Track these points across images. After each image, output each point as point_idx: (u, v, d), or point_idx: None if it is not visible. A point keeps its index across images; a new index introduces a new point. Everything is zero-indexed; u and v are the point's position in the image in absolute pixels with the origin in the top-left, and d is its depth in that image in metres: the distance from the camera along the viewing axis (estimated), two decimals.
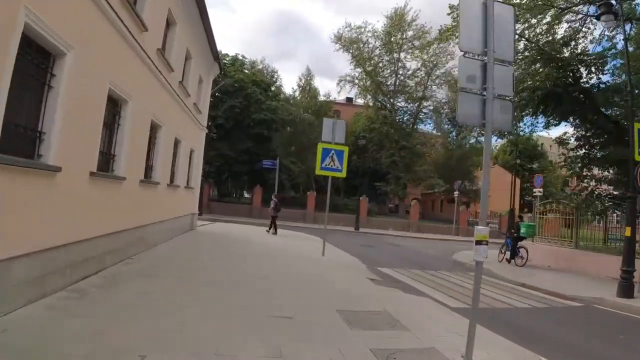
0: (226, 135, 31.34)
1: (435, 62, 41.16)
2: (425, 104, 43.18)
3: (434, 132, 47.76)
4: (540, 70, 17.21)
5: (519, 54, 16.77)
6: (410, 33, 40.86)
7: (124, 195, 8.18)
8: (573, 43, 17.42)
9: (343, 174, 12.48)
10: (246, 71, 34.20)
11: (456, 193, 35.52)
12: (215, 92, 28.60)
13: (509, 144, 42.72)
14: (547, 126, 20.20)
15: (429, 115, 44.90)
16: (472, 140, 44.26)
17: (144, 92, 8.89)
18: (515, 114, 17.47)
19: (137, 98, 8.24)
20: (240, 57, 34.64)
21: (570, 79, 16.98)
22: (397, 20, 40.24)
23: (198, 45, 14.24)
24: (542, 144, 53.80)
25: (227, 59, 34.41)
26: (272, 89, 35.39)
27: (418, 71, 42.11)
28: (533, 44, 16.95)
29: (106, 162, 7.50)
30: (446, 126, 45.89)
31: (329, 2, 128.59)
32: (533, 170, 55.91)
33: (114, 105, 7.64)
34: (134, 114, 8.27)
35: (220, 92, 30.44)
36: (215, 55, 16.76)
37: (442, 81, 41.62)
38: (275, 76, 39.95)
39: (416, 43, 40.48)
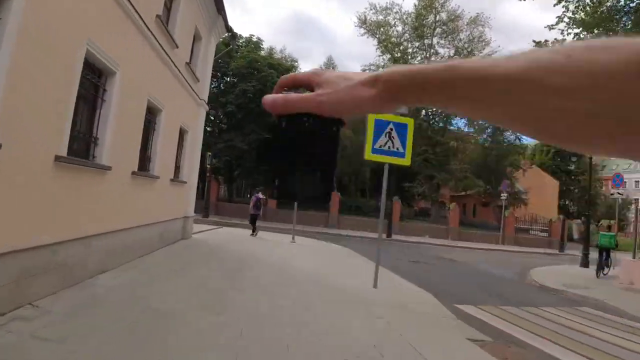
0: (237, 125, 27.26)
1: (470, 49, 36.58)
2: None
3: (466, 128, 42.84)
4: None
5: None
6: (443, 16, 36.30)
7: None
8: None
9: (407, 161, 8.05)
10: (262, 53, 29.93)
11: (504, 195, 30.78)
12: (219, 59, 24.64)
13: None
14: None
15: None
16: (511, 137, 39.40)
17: None
18: None
19: None
20: (256, 39, 30.42)
21: None
22: (429, 1, 35.65)
23: None
24: None
25: (241, 40, 30.31)
26: (295, 69, 31.13)
27: (452, 59, 37.52)
28: None
29: None
30: (481, 122, 41.10)
31: (343, 2, 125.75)
32: (571, 173, 50.89)
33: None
34: None
35: (232, 75, 26.34)
36: (220, 5, 12.52)
37: None
38: (296, 66, 35.66)
39: (451, 26, 36.01)
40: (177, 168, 11.49)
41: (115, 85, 6.52)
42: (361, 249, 15.86)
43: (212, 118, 27.63)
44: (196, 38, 11.92)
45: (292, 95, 0.55)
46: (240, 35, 30.95)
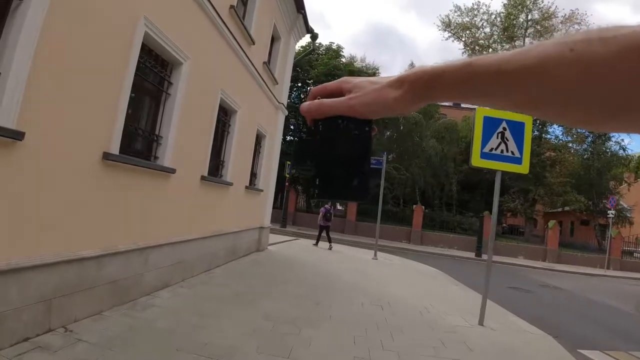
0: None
1: None
2: None
3: (564, 137, 38.19)
4: None
5: None
6: (536, 14, 33.00)
7: None
8: None
9: (524, 168, 6.40)
10: (342, 61, 29.13)
11: (611, 213, 26.68)
12: (297, 67, 24.12)
13: None
14: None
15: None
16: (615, 147, 34.39)
17: None
18: None
19: None
20: (335, 47, 29.72)
21: None
22: None
23: None
24: None
25: (321, 48, 29.84)
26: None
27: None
28: None
29: None
30: (580, 130, 36.35)
31: (422, 13, 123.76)
32: None
33: None
34: None
35: (312, 83, 25.86)
36: (300, 4, 11.75)
37: None
38: (378, 74, 34.48)
39: (544, 24, 32.61)
40: (253, 175, 10.75)
41: (181, 77, 5.74)
42: (451, 270, 14.09)
43: (292, 127, 27.27)
44: (275, 38, 11.20)
45: (326, 100, 0.60)
46: (320, 43, 30.54)
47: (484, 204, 35.58)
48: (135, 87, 4.69)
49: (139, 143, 5.25)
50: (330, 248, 14.72)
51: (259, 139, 10.80)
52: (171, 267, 5.98)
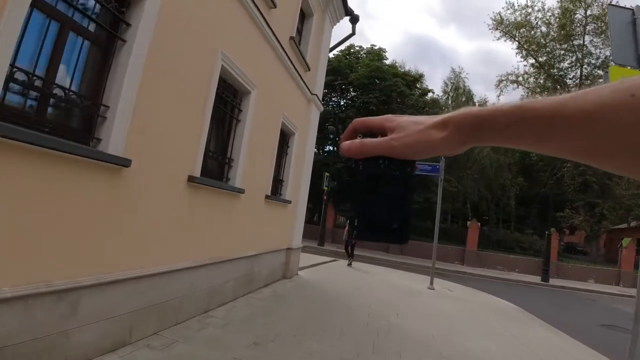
0: None
1: None
2: None
3: None
4: None
5: None
6: (595, 10, 29.57)
7: None
8: None
9: None
10: (386, 62, 26.76)
11: None
12: (335, 73, 21.87)
13: None
14: None
15: None
16: None
17: None
18: None
19: None
20: (377, 49, 27.40)
21: None
22: None
23: None
24: None
25: (362, 52, 27.73)
26: (420, 85, 27.22)
27: (610, 58, 30.24)
28: None
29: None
30: None
31: (461, 26, 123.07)
32: None
33: None
34: None
35: (352, 88, 23.75)
36: None
37: None
38: (424, 76, 31.70)
39: (605, 21, 29.18)
40: (278, 182, 8.51)
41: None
42: (522, 300, 11.53)
43: (332, 136, 25.09)
44: (305, 13, 9.06)
45: (367, 140, 0.59)
46: (360, 47, 28.40)
47: (541, 219, 31.90)
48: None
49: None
50: (350, 264, 13.50)
51: (284, 137, 8.58)
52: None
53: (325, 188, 19.09)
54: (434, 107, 26.76)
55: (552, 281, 19.49)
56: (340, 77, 24.91)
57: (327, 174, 19.18)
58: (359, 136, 0.61)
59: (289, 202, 8.87)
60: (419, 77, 26.46)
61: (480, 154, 26.66)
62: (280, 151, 8.23)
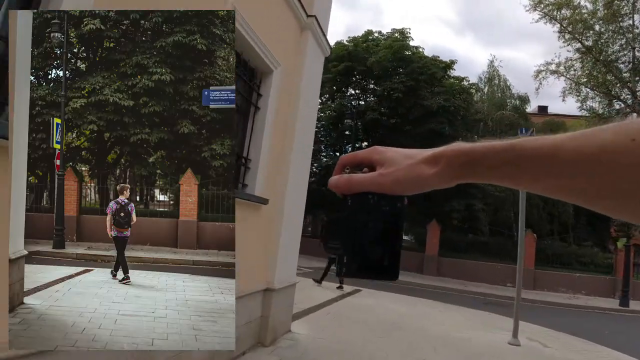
0: (381, 139, 19.74)
1: None
2: None
3: None
4: None
5: None
6: None
7: None
8: None
9: None
10: (412, 44, 22.27)
11: None
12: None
13: None
14: None
15: None
16: None
17: None
18: None
19: None
20: (400, 29, 22.93)
21: None
22: None
23: None
24: None
25: (382, 37, 23.35)
26: (452, 71, 22.58)
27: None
28: None
29: None
30: None
31: (479, 35, 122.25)
32: None
33: None
34: None
35: (370, 76, 19.61)
36: None
37: None
38: (455, 62, 26.86)
39: None
40: (242, 160, 4.30)
41: None
42: (612, 339, 8.33)
43: (348, 133, 20.79)
44: None
45: (355, 176, 0.58)
46: (379, 31, 24.02)
47: (596, 229, 27.15)
48: None
49: None
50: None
51: (252, 75, 4.37)
52: None
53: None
54: (468, 95, 22.30)
55: (632, 305, 15.23)
56: (357, 63, 20.78)
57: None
58: (346, 170, 0.60)
59: (264, 201, 4.63)
60: (451, 63, 21.90)
61: None
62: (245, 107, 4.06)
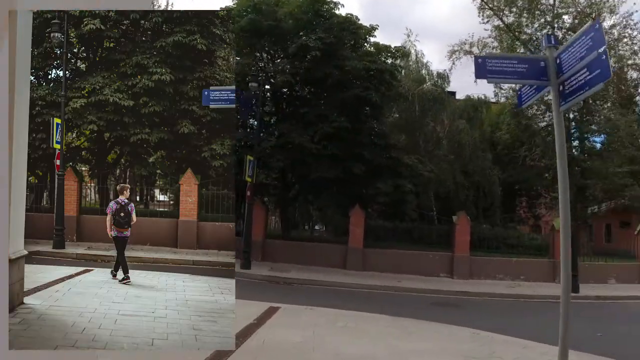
0: (295, 110, 16.39)
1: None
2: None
3: None
4: None
5: None
6: None
7: None
8: None
9: None
10: None
11: None
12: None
13: None
14: None
15: None
16: None
17: None
18: None
19: None
20: None
21: None
22: None
23: None
24: None
25: None
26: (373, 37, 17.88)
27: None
28: None
29: None
30: None
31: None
32: None
33: None
34: None
35: (281, 30, 15.43)
36: None
37: None
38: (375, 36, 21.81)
39: None
40: None
41: None
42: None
43: (254, 102, 14.50)
44: None
45: None
46: None
47: (531, 209, 27.47)
48: None
49: None
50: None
51: None
52: None
53: (249, 179, 12.25)
54: (394, 61, 19.02)
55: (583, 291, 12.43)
56: (264, 17, 15.48)
57: (249, 157, 12.31)
58: None
59: None
60: (372, 29, 17.43)
61: (453, 127, 21.85)
62: None
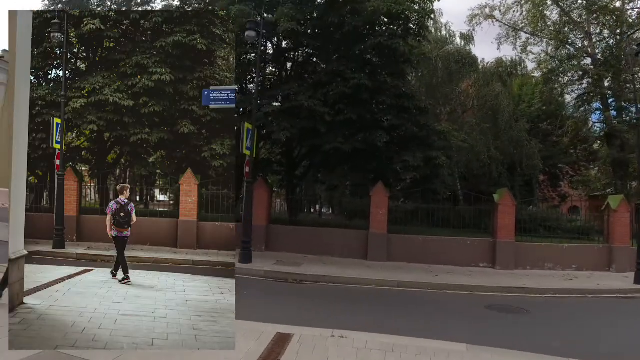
0: (302, 67, 14.41)
1: None
2: None
3: None
4: None
5: None
6: None
7: None
8: None
9: None
10: None
11: None
12: None
13: None
14: None
15: None
16: None
17: None
18: None
19: None
20: None
21: None
22: None
23: None
24: None
25: None
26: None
27: None
28: None
29: None
30: None
31: None
32: None
33: None
34: None
35: None
36: None
37: None
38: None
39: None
40: None
41: None
42: None
43: (249, 58, 13.87)
44: None
45: None
46: None
47: (556, 188, 25.10)
48: None
49: None
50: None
51: None
52: None
53: (247, 152, 9.98)
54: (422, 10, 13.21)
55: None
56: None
57: (248, 125, 9.89)
58: None
59: None
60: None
61: (489, 91, 18.53)
62: None
